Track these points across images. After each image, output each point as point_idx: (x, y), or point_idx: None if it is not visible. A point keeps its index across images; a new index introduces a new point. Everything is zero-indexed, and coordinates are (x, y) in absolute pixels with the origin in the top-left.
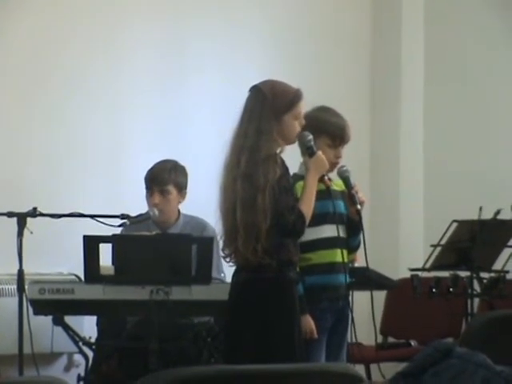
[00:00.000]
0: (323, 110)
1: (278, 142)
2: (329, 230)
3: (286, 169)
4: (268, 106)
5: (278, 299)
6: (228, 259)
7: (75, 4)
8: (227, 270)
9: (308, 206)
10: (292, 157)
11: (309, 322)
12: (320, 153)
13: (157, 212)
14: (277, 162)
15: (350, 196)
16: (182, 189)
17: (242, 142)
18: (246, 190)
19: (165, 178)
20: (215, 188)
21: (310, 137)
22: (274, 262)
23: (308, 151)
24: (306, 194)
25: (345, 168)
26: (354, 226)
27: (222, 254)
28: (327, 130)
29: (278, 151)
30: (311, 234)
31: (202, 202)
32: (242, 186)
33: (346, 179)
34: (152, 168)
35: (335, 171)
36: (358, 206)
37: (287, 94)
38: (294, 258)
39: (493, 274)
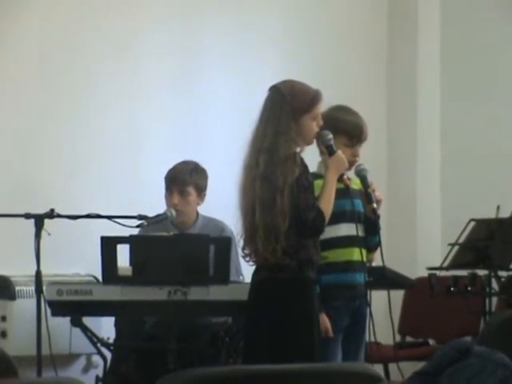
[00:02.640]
0: (340, 109)
1: (297, 142)
2: (346, 229)
3: (306, 167)
4: (287, 106)
5: (297, 299)
6: (248, 259)
7: (93, 8)
8: (247, 270)
9: (327, 205)
10: (310, 156)
11: (324, 321)
12: (340, 152)
13: (174, 212)
14: (296, 161)
15: (366, 194)
16: (201, 191)
17: (261, 143)
18: (264, 190)
19: (185, 179)
20: (231, 188)
21: (330, 136)
22: (293, 262)
23: (328, 150)
24: (326, 192)
25: (362, 167)
26: (370, 225)
27: (241, 253)
28: (344, 128)
29: (297, 150)
30: (328, 232)
31: (218, 203)
32: (260, 187)
33: (363, 178)
34: (172, 168)
35: (352, 170)
36: (375, 205)
37: (306, 95)
38: (313, 257)
39: (511, 273)
